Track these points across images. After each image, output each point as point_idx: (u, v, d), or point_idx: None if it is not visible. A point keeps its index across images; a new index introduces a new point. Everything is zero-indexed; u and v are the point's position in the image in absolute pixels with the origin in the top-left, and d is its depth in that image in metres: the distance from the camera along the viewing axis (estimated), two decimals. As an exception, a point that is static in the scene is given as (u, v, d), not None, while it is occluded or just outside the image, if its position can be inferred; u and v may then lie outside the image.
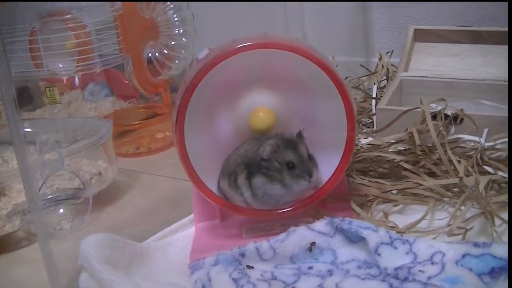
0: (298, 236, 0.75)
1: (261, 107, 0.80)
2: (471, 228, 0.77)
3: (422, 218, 0.81)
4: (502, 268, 0.63)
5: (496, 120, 1.01)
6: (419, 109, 0.99)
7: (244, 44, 0.76)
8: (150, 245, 0.84)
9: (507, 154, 0.93)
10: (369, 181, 0.93)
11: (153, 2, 1.54)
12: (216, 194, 0.83)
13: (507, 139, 0.96)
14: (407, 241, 0.71)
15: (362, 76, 1.43)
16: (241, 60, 0.77)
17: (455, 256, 0.67)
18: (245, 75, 0.80)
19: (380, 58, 1.42)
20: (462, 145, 0.99)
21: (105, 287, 0.69)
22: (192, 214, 0.90)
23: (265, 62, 0.79)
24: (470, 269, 0.65)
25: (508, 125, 0.98)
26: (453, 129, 1.01)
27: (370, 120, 1.24)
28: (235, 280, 0.70)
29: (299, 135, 0.80)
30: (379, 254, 0.70)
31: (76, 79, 1.72)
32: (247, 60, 0.78)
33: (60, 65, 1.59)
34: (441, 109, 1.00)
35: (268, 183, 0.79)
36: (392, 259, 0.69)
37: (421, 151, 0.94)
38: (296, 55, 0.76)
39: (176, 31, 1.60)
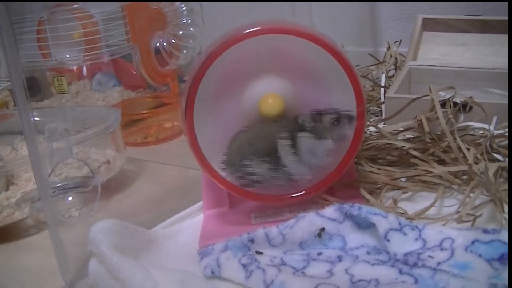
0: (307, 222, 0.75)
1: (270, 93, 0.79)
2: (480, 215, 0.76)
3: (431, 205, 0.81)
4: (511, 254, 0.63)
5: (505, 108, 1.00)
6: (427, 97, 0.98)
7: (251, 30, 0.76)
8: (159, 232, 0.84)
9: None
10: (378, 168, 0.93)
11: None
12: (227, 179, 0.82)
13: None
14: (417, 227, 0.71)
15: (370, 65, 1.42)
16: (250, 46, 0.77)
17: (465, 242, 0.66)
18: (254, 61, 0.79)
19: (389, 48, 1.41)
20: (471, 132, 0.99)
21: (115, 272, 0.68)
22: (201, 202, 0.91)
23: (274, 47, 0.78)
24: (480, 255, 0.64)
25: (508, 116, 0.98)
26: (462, 117, 1.01)
27: (379, 109, 1.24)
28: (244, 266, 0.70)
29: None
30: (388, 240, 0.70)
31: (84, 69, 1.72)
32: (256, 46, 0.77)
33: (68, 55, 1.59)
34: (450, 97, 1.00)
35: (316, 140, 0.80)
36: (402, 245, 0.69)
37: (430, 138, 0.94)
38: (305, 41, 0.76)
39: (184, 21, 1.59)
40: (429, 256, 0.66)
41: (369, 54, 1.47)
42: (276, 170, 0.80)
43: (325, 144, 0.80)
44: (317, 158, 0.80)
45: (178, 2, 1.59)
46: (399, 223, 0.71)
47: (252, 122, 0.81)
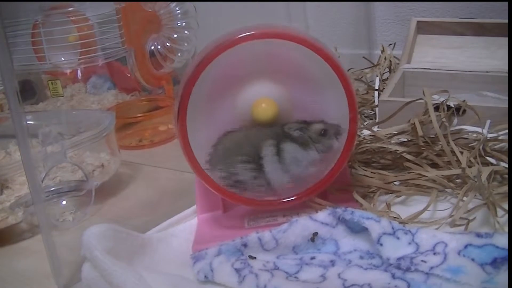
0: (301, 226, 0.75)
1: (263, 97, 0.79)
2: (474, 218, 0.77)
3: (425, 208, 0.81)
4: (504, 258, 0.63)
5: (498, 111, 1.01)
6: (421, 101, 0.99)
7: (245, 34, 0.76)
8: (153, 236, 0.84)
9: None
10: (371, 172, 0.93)
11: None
12: (219, 184, 0.82)
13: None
14: (410, 231, 0.71)
15: (364, 68, 1.43)
16: (243, 51, 0.77)
17: (458, 246, 0.66)
18: (247, 66, 0.79)
19: (383, 50, 1.42)
20: (465, 136, 0.99)
21: (108, 277, 0.69)
22: (195, 206, 0.91)
23: (267, 52, 0.79)
24: (473, 259, 0.64)
25: (508, 119, 0.98)
26: (455, 121, 1.01)
27: (373, 112, 1.24)
28: (237, 270, 0.70)
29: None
30: (381, 244, 0.70)
31: (79, 72, 1.71)
32: (249, 51, 0.77)
33: (63, 58, 1.59)
34: (443, 100, 1.00)
35: (301, 149, 0.80)
36: (395, 249, 0.69)
37: (423, 142, 0.94)
38: (298, 45, 0.76)
39: (179, 24, 1.60)
40: (422, 260, 0.67)
41: (363, 57, 1.47)
42: (258, 176, 0.80)
43: (309, 154, 0.80)
44: (300, 167, 0.80)
45: (173, 5, 1.59)
46: (392, 227, 0.71)
47: (244, 126, 0.81)
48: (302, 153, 0.79)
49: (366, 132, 1.05)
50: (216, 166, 0.81)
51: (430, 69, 1.26)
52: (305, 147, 0.79)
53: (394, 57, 1.39)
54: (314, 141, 0.79)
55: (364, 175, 0.92)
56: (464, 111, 1.01)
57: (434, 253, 0.67)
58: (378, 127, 1.06)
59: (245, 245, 0.75)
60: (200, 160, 0.80)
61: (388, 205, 0.84)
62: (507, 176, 0.87)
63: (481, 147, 0.92)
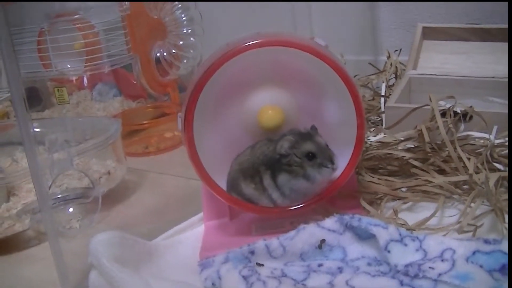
0: (308, 233, 0.75)
1: (270, 104, 0.80)
2: (481, 225, 0.76)
3: (432, 215, 0.81)
4: (512, 264, 0.63)
5: (505, 117, 1.00)
6: (428, 107, 0.98)
7: (252, 42, 0.76)
8: (160, 243, 0.84)
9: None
10: (378, 178, 0.93)
11: (161, 2, 1.55)
12: (226, 191, 0.82)
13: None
14: (417, 238, 0.71)
15: (370, 75, 1.43)
16: (250, 58, 0.77)
17: (466, 252, 0.66)
18: (254, 73, 0.80)
19: (389, 56, 1.42)
20: (472, 142, 0.98)
21: (115, 284, 0.69)
22: (201, 213, 0.90)
23: (274, 59, 0.79)
24: (481, 266, 0.64)
25: (508, 126, 0.98)
26: (462, 126, 1.01)
27: (379, 118, 1.24)
28: (245, 278, 0.70)
29: (313, 128, 0.81)
30: (389, 251, 0.70)
31: (85, 79, 1.72)
32: (256, 58, 0.78)
33: (69, 66, 1.59)
34: (450, 106, 1.00)
35: (292, 179, 0.80)
36: (402, 256, 0.69)
37: (430, 148, 0.93)
38: (305, 53, 0.76)
39: (184, 31, 1.60)
40: (430, 267, 0.66)
41: (369, 63, 1.47)
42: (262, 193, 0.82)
43: (301, 183, 0.80)
44: (299, 194, 0.82)
45: (179, 12, 1.59)
46: (400, 234, 0.71)
47: (253, 137, 0.81)
48: (295, 183, 0.80)
49: (372, 139, 1.05)
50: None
51: (436, 75, 1.25)
52: (296, 177, 0.80)
53: (400, 63, 1.39)
54: (303, 168, 0.79)
55: (371, 181, 0.92)
56: (471, 117, 1.01)
57: (442, 260, 0.67)
58: (384, 134, 1.06)
59: (252, 252, 0.75)
60: (207, 167, 0.80)
61: (395, 212, 0.84)
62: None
63: (488, 153, 0.91)
